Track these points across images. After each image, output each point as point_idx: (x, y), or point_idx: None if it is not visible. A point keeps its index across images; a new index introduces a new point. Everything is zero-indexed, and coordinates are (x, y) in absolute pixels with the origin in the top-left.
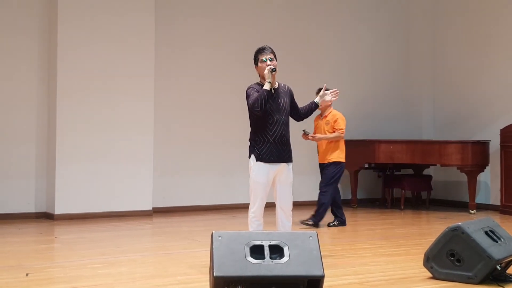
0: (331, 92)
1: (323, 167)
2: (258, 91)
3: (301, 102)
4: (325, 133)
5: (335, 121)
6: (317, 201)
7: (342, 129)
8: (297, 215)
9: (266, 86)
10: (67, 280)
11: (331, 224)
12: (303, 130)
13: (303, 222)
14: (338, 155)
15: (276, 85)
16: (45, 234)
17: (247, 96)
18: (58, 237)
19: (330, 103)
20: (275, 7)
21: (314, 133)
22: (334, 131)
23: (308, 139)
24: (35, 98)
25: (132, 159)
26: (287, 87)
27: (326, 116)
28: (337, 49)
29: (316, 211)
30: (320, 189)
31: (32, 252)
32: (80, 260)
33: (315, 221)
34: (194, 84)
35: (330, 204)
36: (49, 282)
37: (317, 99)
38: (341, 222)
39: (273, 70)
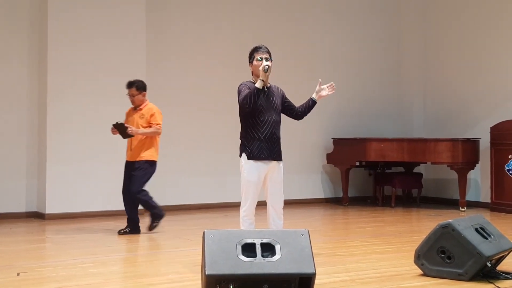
0: (327, 86)
1: (132, 165)
2: (249, 88)
3: (292, 99)
4: (138, 127)
5: (152, 115)
6: (141, 206)
7: (160, 124)
8: (288, 213)
9: (258, 84)
10: (58, 280)
11: (122, 231)
12: (117, 122)
13: (152, 227)
14: (152, 154)
15: (269, 85)
16: (36, 234)
17: (239, 92)
18: (49, 236)
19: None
20: (267, 8)
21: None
22: (149, 126)
23: (116, 134)
24: (26, 97)
25: (123, 158)
26: (279, 88)
27: (141, 109)
28: (328, 47)
29: (152, 214)
30: (135, 194)
31: (23, 252)
32: (71, 259)
33: (159, 215)
34: (185, 83)
35: (131, 210)
36: (40, 281)
37: (313, 96)
38: (135, 229)
39: (266, 70)
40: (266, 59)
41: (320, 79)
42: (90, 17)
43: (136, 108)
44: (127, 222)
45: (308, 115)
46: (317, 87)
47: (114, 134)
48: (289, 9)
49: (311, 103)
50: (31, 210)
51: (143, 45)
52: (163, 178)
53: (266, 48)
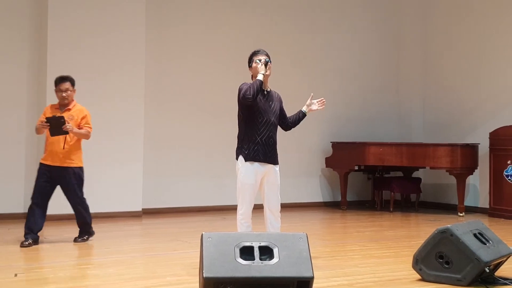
0: (317, 102)
1: (61, 171)
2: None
3: (292, 103)
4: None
5: (84, 117)
6: (78, 214)
7: (91, 128)
8: (286, 217)
9: (259, 76)
10: (56, 281)
11: (80, 239)
12: (54, 116)
13: (79, 240)
14: (81, 159)
15: (269, 89)
16: None
17: (240, 90)
18: (47, 237)
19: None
20: (267, 9)
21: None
22: (80, 128)
23: (44, 131)
24: (25, 98)
25: (121, 160)
26: (278, 94)
27: (69, 109)
28: (327, 51)
29: (85, 226)
30: (81, 199)
31: (21, 253)
32: (69, 260)
33: (91, 233)
34: (184, 85)
35: (82, 214)
36: (38, 282)
37: (304, 108)
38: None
39: (267, 62)
40: (265, 60)
41: (312, 93)
42: (89, 17)
43: (62, 107)
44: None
45: (304, 120)
46: (308, 101)
47: (40, 132)
48: (289, 13)
49: (301, 115)
50: None
51: (142, 45)
52: (161, 180)
53: (265, 51)
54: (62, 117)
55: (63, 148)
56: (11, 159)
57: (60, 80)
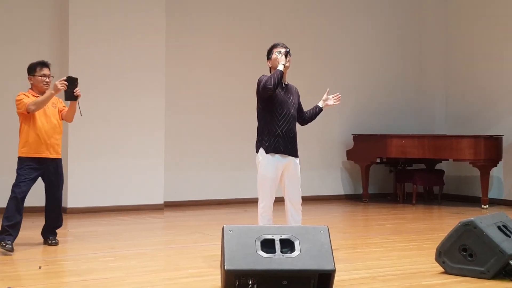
0: (333, 97)
1: (55, 163)
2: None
3: (313, 96)
4: (54, 119)
5: (62, 103)
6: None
7: None
8: (307, 210)
9: (280, 67)
10: (79, 273)
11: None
12: (71, 76)
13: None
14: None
15: (287, 82)
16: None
17: (259, 82)
18: (70, 230)
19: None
20: (287, 6)
21: None
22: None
23: (62, 90)
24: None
25: (143, 153)
26: (295, 88)
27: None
28: (349, 43)
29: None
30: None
31: (45, 246)
32: (92, 253)
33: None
34: (204, 78)
35: (57, 216)
36: (61, 274)
37: (320, 103)
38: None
39: (287, 52)
40: (286, 51)
41: (328, 88)
42: (109, 17)
43: (42, 95)
44: (52, 231)
45: (326, 112)
46: (324, 96)
47: (58, 90)
48: (309, 5)
49: (318, 110)
50: None
51: (162, 43)
52: (183, 173)
53: (285, 44)
54: (77, 79)
55: (52, 139)
56: None
57: (43, 65)
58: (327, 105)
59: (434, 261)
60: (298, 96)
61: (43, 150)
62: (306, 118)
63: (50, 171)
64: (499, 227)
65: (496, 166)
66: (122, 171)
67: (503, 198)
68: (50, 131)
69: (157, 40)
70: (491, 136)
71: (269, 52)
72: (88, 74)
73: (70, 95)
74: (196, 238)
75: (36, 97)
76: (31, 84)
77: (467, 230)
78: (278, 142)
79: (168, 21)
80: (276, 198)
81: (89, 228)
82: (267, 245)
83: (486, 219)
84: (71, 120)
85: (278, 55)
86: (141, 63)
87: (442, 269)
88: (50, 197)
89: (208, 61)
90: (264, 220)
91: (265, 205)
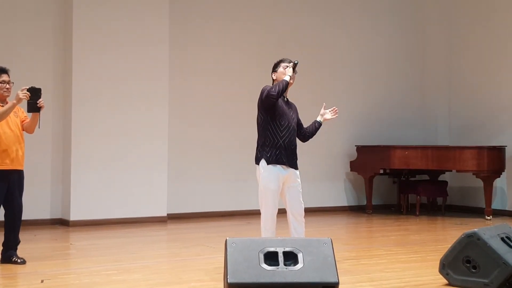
0: (330, 111)
1: (20, 174)
2: None
3: (317, 107)
4: (16, 129)
5: (24, 113)
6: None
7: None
8: (311, 221)
9: (286, 78)
10: (81, 287)
11: (18, 260)
12: (33, 87)
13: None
14: None
15: (286, 99)
16: (60, 241)
17: (263, 91)
18: (73, 243)
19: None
20: (291, 12)
21: None
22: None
23: (24, 99)
24: (50, 104)
25: (146, 165)
26: (294, 105)
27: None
28: (352, 53)
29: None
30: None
31: (47, 259)
32: (95, 266)
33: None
34: (208, 89)
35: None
36: None
37: (318, 118)
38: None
39: (296, 64)
40: (294, 63)
41: (324, 103)
42: (113, 27)
43: (2, 103)
44: (13, 247)
45: (329, 124)
46: (322, 110)
47: (20, 100)
48: (313, 14)
49: (318, 125)
50: (56, 217)
51: (165, 53)
52: (186, 185)
53: (291, 60)
54: (40, 90)
55: (18, 151)
56: (37, 166)
57: (1, 71)
58: (325, 119)
59: (438, 273)
60: (297, 113)
61: (7, 163)
62: (307, 134)
63: (14, 183)
64: (502, 239)
65: (499, 177)
66: (125, 183)
67: (506, 208)
68: (15, 142)
69: (161, 50)
70: (494, 147)
71: (276, 66)
72: (91, 83)
73: (33, 107)
74: (199, 250)
75: None
76: None
77: (471, 241)
78: (280, 153)
79: (171, 30)
80: (279, 209)
81: (92, 241)
82: (271, 258)
83: (489, 230)
84: (32, 132)
85: (287, 68)
86: (144, 73)
87: (446, 281)
88: (10, 206)
89: (211, 71)
90: (267, 232)
91: (268, 218)
